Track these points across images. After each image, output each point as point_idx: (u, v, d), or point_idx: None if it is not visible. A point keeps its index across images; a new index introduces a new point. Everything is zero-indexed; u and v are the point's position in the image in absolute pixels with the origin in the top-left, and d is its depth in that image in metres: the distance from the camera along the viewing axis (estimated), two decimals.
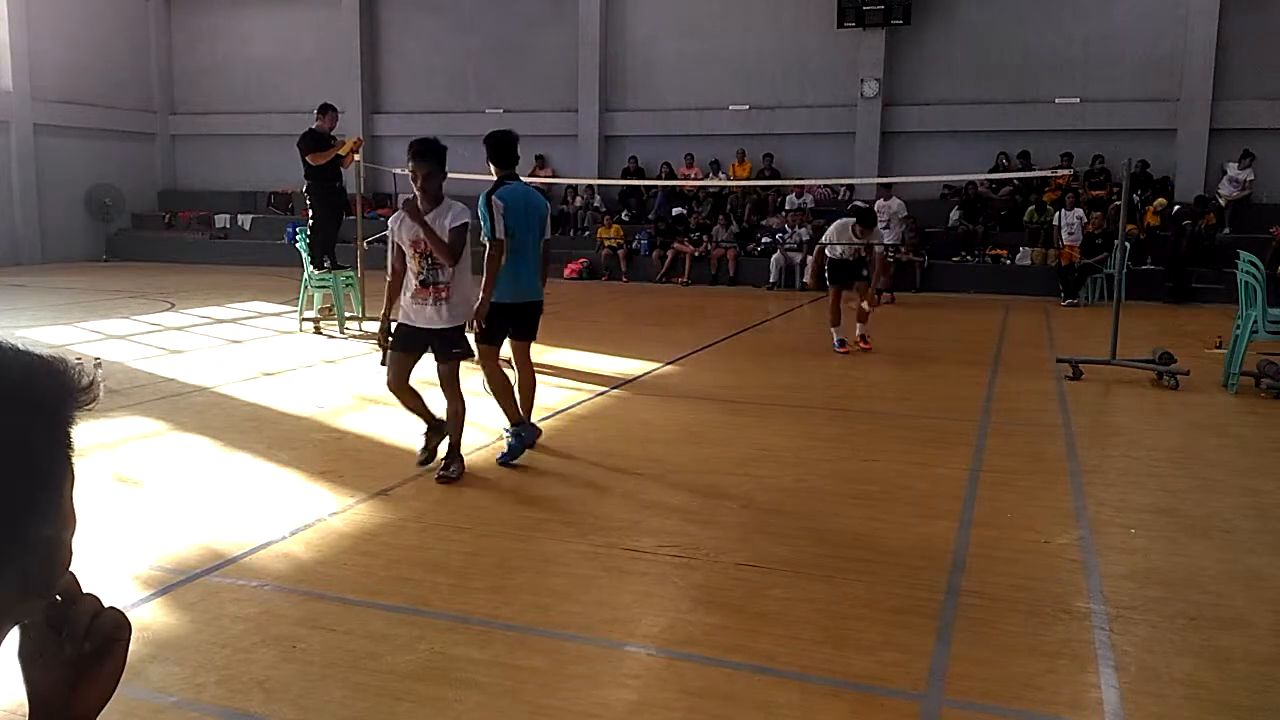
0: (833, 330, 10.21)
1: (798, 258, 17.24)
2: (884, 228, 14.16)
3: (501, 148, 6.11)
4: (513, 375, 6.18)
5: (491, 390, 5.98)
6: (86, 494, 5.17)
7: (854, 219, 9.78)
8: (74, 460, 0.86)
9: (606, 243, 18.86)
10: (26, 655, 0.92)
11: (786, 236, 17.63)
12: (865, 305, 10.09)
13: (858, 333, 10.25)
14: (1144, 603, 3.84)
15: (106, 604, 0.97)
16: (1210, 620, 3.68)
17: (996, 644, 3.46)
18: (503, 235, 5.81)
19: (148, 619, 3.59)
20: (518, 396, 6.05)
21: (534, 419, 6.90)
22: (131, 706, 2.97)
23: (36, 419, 0.82)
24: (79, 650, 0.92)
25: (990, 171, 17.52)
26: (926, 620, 3.64)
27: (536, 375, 6.41)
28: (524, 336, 6.19)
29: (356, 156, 11.60)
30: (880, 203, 15.16)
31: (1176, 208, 16.12)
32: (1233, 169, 16.60)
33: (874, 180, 17.88)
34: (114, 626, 0.95)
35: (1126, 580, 4.08)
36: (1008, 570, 4.15)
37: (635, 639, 3.51)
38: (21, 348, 0.83)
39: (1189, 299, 15.20)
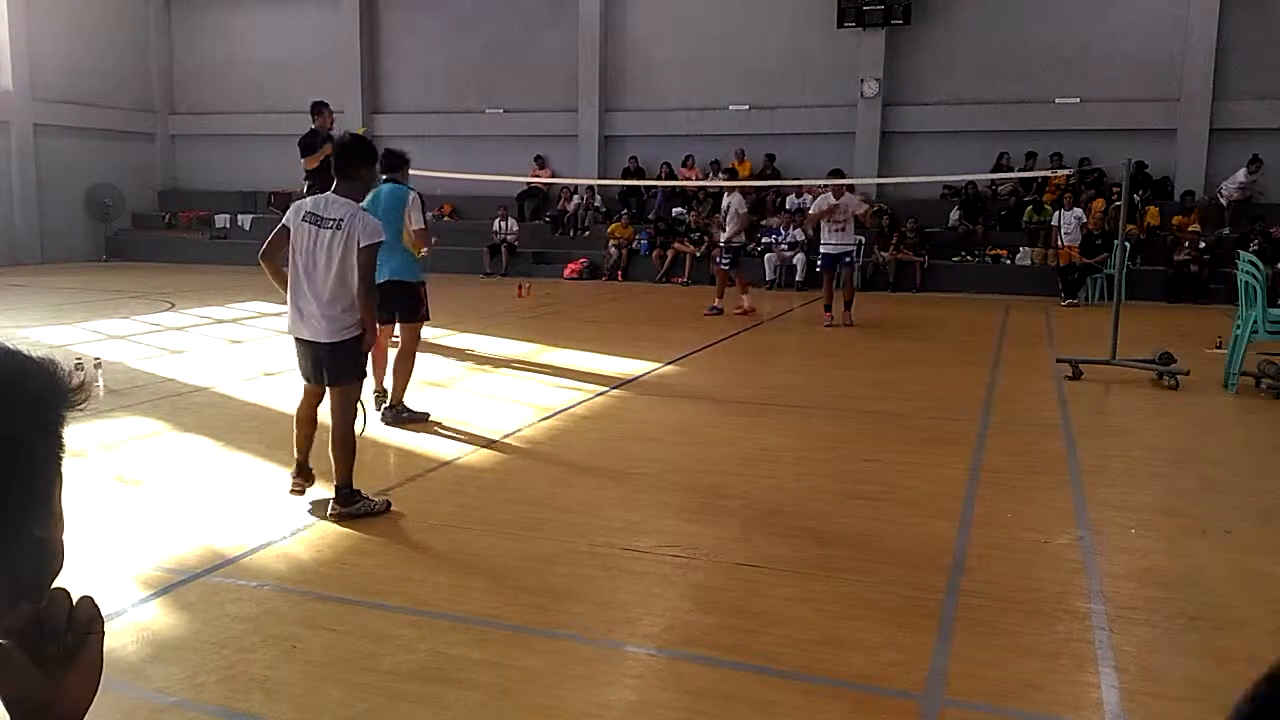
0: (718, 300, 13.10)
1: (793, 256, 17.25)
2: (839, 229, 12.08)
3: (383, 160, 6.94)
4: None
5: None
6: (87, 494, 5.16)
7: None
8: (63, 462, 0.84)
9: (612, 243, 18.82)
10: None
11: (780, 238, 17.64)
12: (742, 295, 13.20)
13: (747, 304, 13.15)
14: (1144, 603, 3.84)
15: (77, 596, 0.93)
16: (1210, 620, 3.68)
17: (996, 644, 3.46)
18: None
19: (148, 619, 3.59)
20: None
21: (533, 418, 6.96)
22: (131, 706, 2.97)
23: (28, 420, 0.80)
24: (62, 646, 0.90)
25: (991, 171, 17.52)
26: (926, 620, 3.64)
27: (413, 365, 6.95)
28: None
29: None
30: (832, 200, 12.28)
31: None
32: (1241, 174, 16.53)
33: (874, 180, 17.88)
34: (89, 619, 0.92)
35: (1126, 580, 4.08)
36: (1008, 570, 4.15)
37: (635, 639, 3.51)
38: (11, 348, 0.82)
39: None
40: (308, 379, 4.93)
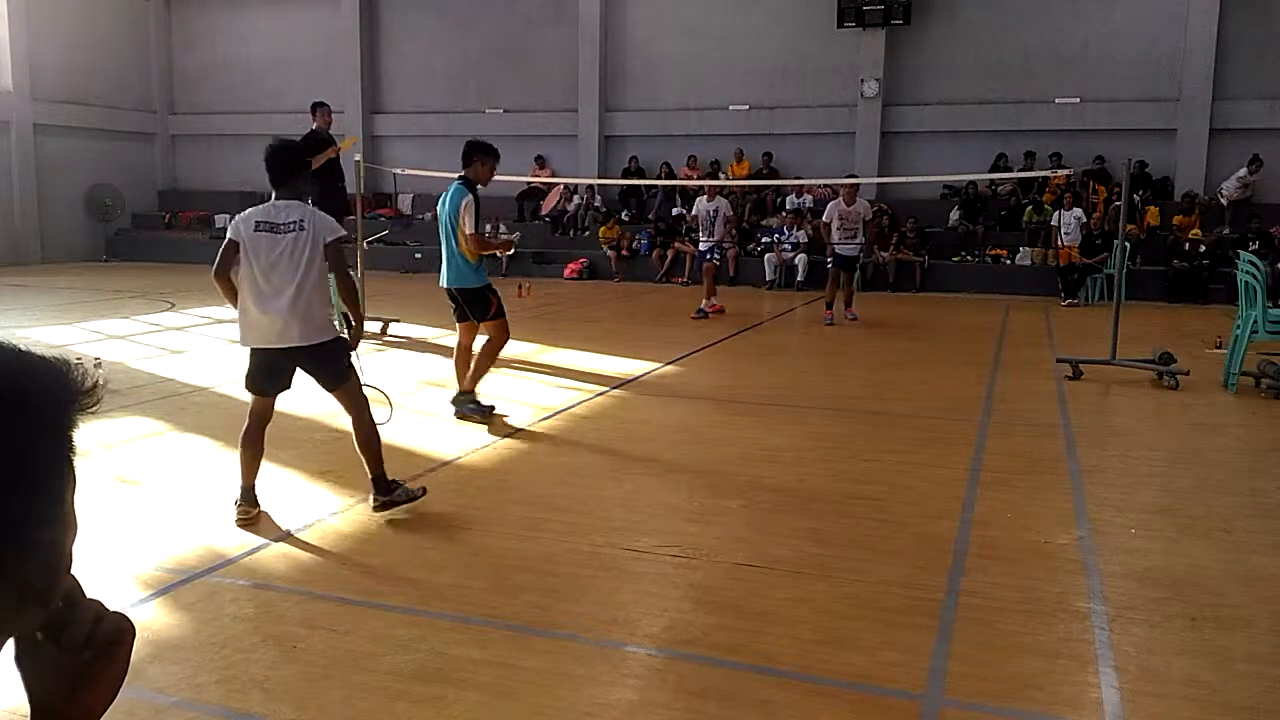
0: (712, 298, 13.04)
1: (794, 256, 17.27)
2: (850, 239, 11.93)
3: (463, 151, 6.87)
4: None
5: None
6: (88, 495, 5.16)
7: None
8: (75, 464, 0.84)
9: (602, 244, 18.87)
10: (24, 661, 0.89)
11: (784, 238, 17.64)
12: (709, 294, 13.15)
13: (715, 303, 13.05)
14: (1144, 603, 3.84)
15: (110, 608, 0.93)
16: (1210, 620, 3.68)
17: (996, 644, 3.45)
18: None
19: (148, 619, 3.59)
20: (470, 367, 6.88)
21: (533, 418, 6.96)
22: (131, 706, 2.97)
23: (38, 422, 0.79)
24: (77, 657, 0.89)
25: (990, 171, 17.54)
26: (926, 620, 3.64)
27: (492, 361, 6.98)
28: (459, 316, 6.96)
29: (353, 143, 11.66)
30: (844, 208, 11.97)
31: None
32: (1243, 172, 16.54)
33: (874, 180, 17.87)
34: (115, 631, 0.92)
35: (1126, 580, 4.08)
36: (1008, 570, 4.15)
37: (635, 639, 3.51)
38: (23, 349, 0.82)
39: None
40: (263, 392, 4.76)
